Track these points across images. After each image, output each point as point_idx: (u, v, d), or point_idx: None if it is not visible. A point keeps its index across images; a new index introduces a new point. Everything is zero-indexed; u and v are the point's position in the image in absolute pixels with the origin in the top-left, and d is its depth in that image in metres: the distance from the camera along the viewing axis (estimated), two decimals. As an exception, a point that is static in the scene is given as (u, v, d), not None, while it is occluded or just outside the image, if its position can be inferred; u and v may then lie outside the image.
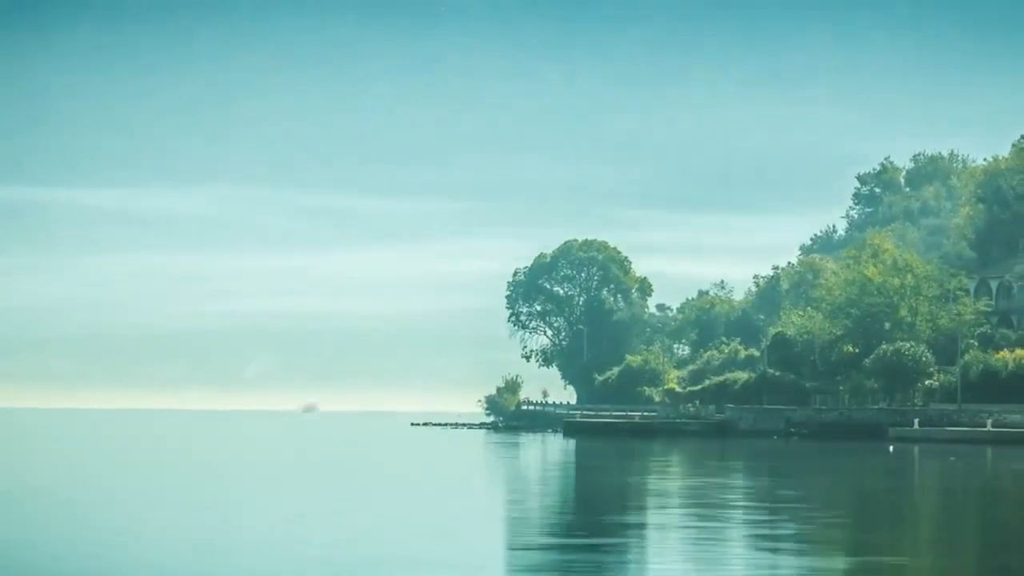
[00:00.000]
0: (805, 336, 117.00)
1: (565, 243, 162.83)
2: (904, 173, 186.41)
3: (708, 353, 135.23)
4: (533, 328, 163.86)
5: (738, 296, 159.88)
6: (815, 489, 45.51)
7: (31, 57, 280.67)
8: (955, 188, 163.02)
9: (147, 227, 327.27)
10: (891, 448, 80.00)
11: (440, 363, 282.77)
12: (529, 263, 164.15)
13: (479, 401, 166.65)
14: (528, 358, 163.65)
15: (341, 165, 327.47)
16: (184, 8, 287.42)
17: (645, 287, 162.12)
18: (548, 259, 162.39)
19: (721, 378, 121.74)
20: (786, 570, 22.20)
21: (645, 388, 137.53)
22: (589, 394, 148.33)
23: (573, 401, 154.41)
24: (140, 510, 33.64)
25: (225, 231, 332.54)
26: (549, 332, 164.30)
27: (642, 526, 30.65)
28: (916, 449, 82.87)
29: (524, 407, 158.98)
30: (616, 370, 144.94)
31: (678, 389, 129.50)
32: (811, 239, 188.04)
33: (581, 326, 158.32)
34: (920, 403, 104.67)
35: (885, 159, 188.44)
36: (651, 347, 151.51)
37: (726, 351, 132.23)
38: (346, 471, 56.56)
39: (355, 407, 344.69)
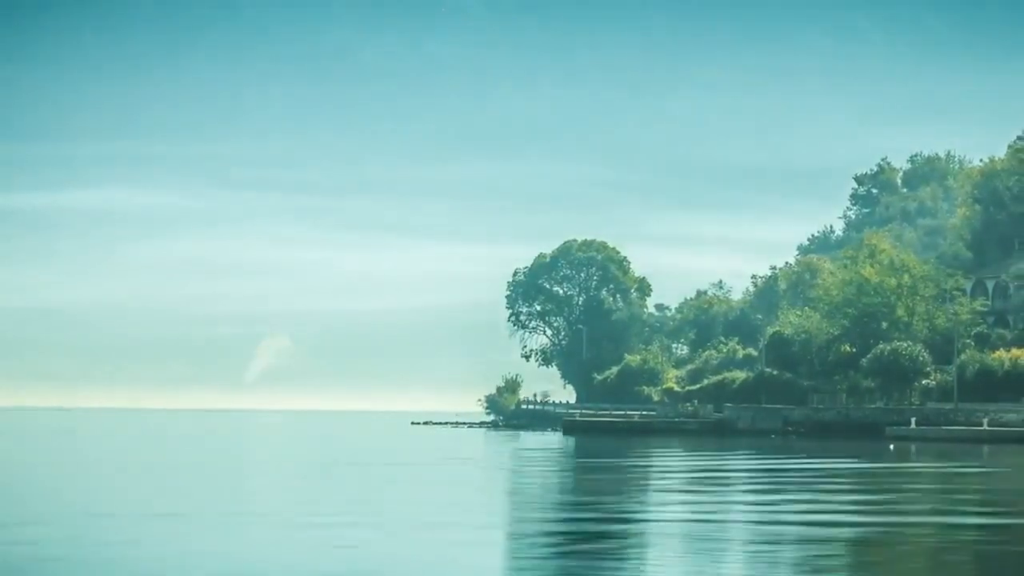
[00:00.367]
0: (803, 336, 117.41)
1: (564, 243, 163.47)
2: (901, 174, 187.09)
3: (706, 353, 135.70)
4: (533, 328, 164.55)
5: (736, 296, 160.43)
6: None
7: (32, 58, 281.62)
8: (952, 189, 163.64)
9: (148, 226, 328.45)
10: (891, 447, 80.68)
11: (440, 363, 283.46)
12: (529, 263, 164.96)
13: (479, 400, 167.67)
14: (528, 358, 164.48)
15: (341, 165, 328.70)
16: (185, 10, 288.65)
17: (644, 287, 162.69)
18: (548, 259, 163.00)
19: (719, 377, 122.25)
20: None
21: (644, 387, 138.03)
22: (588, 393, 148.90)
23: (572, 400, 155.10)
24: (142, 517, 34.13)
25: (226, 230, 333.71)
26: (549, 332, 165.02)
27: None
28: (913, 447, 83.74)
29: (524, 406, 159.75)
30: (615, 369, 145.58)
31: (677, 388, 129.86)
32: (809, 239, 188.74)
33: (580, 326, 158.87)
34: (917, 402, 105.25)
35: (882, 160, 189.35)
36: (650, 347, 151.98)
37: (724, 351, 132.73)
38: (348, 471, 57.30)
39: (356, 406, 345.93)
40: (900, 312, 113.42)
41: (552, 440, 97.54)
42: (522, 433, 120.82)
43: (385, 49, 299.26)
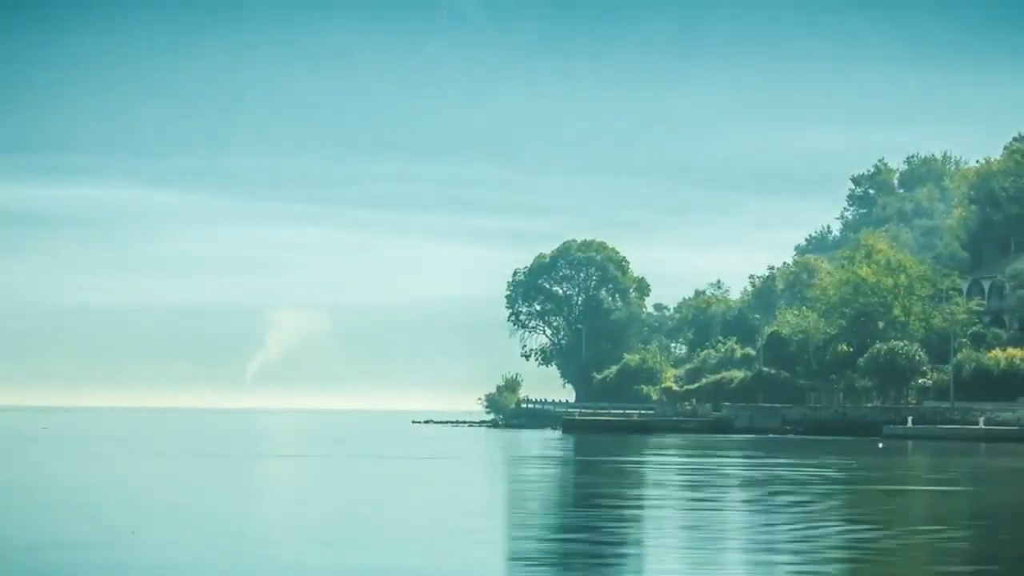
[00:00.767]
0: (800, 335, 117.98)
1: (564, 244, 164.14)
2: (898, 175, 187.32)
3: (705, 352, 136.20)
4: (532, 327, 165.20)
5: (734, 296, 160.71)
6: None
7: (32, 58, 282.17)
8: (948, 189, 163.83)
9: (150, 225, 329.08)
10: (880, 444, 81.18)
11: (440, 362, 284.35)
12: (528, 263, 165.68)
13: (479, 399, 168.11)
14: (528, 357, 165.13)
15: (342, 166, 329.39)
16: (187, 12, 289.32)
17: (643, 287, 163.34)
18: (547, 259, 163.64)
19: (717, 376, 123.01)
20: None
21: (643, 386, 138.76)
22: (588, 392, 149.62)
23: (572, 399, 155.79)
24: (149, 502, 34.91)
25: (225, 230, 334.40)
26: (548, 331, 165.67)
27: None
28: (910, 444, 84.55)
29: (523, 405, 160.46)
30: (614, 369, 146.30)
31: (675, 387, 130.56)
32: (806, 240, 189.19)
33: (580, 325, 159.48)
34: (913, 401, 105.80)
35: (879, 161, 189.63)
36: (648, 346, 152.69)
37: (722, 350, 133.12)
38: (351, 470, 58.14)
39: (356, 405, 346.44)
40: (897, 312, 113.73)
41: (551, 438, 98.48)
42: (522, 432, 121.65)
43: (385, 51, 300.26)
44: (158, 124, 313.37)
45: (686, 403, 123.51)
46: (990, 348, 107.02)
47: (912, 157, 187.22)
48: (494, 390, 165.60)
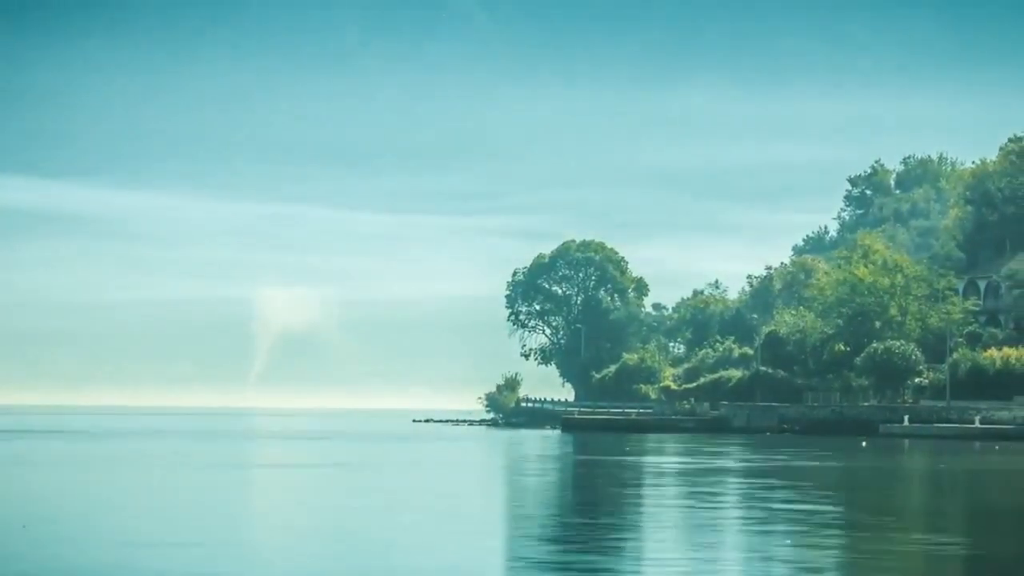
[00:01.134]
0: (797, 335, 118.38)
1: (563, 244, 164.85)
2: (894, 175, 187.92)
3: (703, 351, 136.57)
4: (532, 327, 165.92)
5: (732, 296, 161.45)
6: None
7: (33, 60, 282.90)
8: (944, 190, 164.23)
9: (152, 226, 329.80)
10: (863, 443, 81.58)
11: (441, 361, 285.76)
12: (528, 263, 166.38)
13: (479, 398, 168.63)
14: (527, 356, 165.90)
15: (342, 166, 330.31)
16: (189, 15, 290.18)
17: (641, 287, 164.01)
18: (547, 259, 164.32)
19: (715, 376, 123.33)
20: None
21: (641, 386, 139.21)
22: (587, 391, 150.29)
23: (571, 398, 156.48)
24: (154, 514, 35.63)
25: (227, 229, 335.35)
26: (548, 331, 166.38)
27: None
28: (906, 443, 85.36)
29: (523, 404, 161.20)
30: (613, 368, 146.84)
31: (674, 386, 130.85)
32: (803, 240, 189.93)
33: (579, 325, 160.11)
34: (910, 400, 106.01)
35: (876, 162, 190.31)
36: (647, 345, 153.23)
37: (720, 349, 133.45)
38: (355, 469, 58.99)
39: (356, 405, 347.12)
40: (893, 311, 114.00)
41: (551, 437, 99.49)
42: (522, 430, 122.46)
43: (387, 53, 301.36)
44: (159, 125, 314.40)
45: (684, 402, 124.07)
46: (986, 348, 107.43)
47: (908, 158, 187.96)
48: (494, 389, 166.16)
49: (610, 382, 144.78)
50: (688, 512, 31.94)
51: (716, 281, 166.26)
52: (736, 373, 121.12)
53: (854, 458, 64.27)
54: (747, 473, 50.20)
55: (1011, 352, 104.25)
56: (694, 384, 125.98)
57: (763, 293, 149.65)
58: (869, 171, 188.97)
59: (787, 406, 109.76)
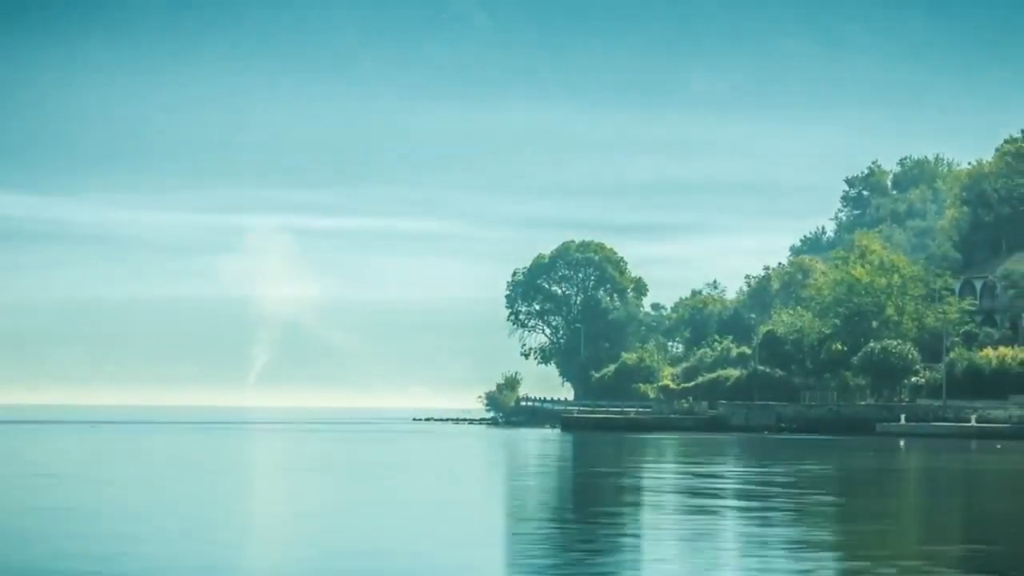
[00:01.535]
0: (795, 334, 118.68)
1: (563, 244, 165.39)
2: (891, 176, 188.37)
3: (701, 351, 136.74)
4: (532, 327, 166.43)
5: (730, 296, 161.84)
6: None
7: (35, 61, 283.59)
8: (940, 191, 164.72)
9: (153, 230, 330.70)
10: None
11: (441, 361, 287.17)
12: (528, 264, 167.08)
13: (479, 397, 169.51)
14: (527, 356, 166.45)
15: (343, 167, 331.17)
16: (186, 18, 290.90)
17: (640, 287, 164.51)
18: (546, 260, 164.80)
19: (714, 375, 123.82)
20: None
21: (640, 385, 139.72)
22: (586, 391, 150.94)
23: (571, 397, 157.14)
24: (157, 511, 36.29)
25: (228, 228, 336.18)
26: (547, 331, 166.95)
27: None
28: (902, 442, 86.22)
29: (523, 403, 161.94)
30: (612, 367, 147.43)
31: (672, 386, 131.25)
32: (801, 240, 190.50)
33: (578, 325, 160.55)
34: (907, 399, 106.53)
35: (873, 163, 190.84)
36: (646, 345, 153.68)
37: (718, 349, 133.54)
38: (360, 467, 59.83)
39: (357, 404, 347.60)
40: (890, 311, 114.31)
41: (550, 435, 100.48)
42: (522, 429, 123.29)
43: (387, 55, 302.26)
44: (160, 126, 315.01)
45: (683, 401, 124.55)
46: (982, 347, 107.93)
47: (905, 159, 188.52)
48: (494, 388, 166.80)
49: (609, 381, 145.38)
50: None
51: (714, 281, 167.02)
52: (734, 372, 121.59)
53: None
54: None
55: (1007, 352, 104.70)
56: (692, 383, 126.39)
57: (761, 293, 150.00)
58: (866, 172, 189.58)
59: (784, 405, 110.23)
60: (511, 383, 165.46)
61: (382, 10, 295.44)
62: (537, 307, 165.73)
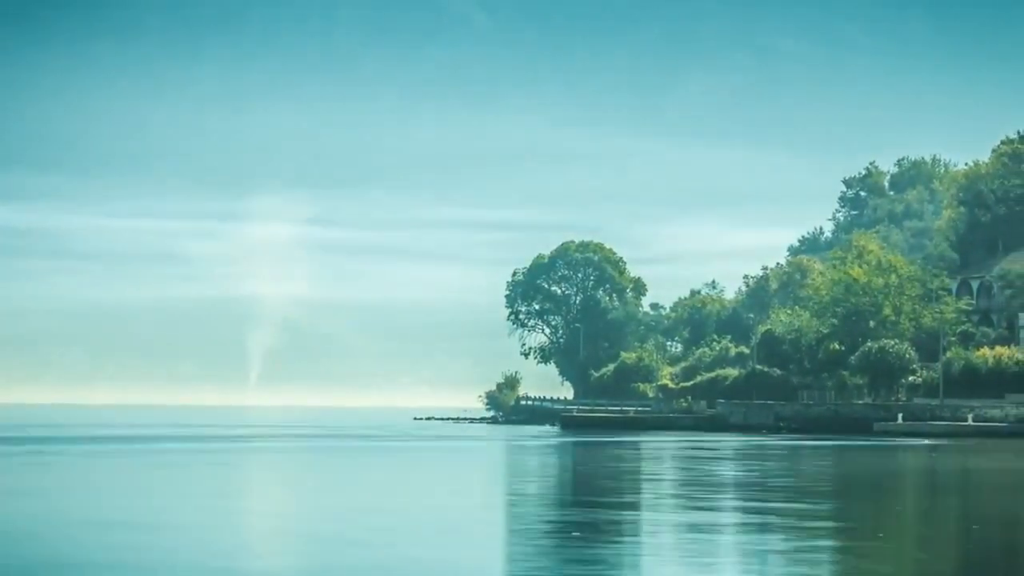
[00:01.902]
0: (793, 334, 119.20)
1: (562, 244, 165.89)
2: (888, 177, 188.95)
3: (700, 350, 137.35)
4: (532, 326, 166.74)
5: (729, 295, 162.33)
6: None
7: (36, 64, 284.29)
8: (937, 192, 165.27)
9: (155, 232, 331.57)
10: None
11: (442, 360, 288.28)
12: (528, 264, 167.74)
13: (479, 396, 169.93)
14: (527, 355, 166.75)
15: (343, 167, 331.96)
16: (188, 19, 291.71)
17: (639, 287, 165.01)
18: (546, 260, 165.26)
19: (712, 374, 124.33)
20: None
21: (639, 384, 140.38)
22: (585, 390, 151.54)
23: (570, 396, 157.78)
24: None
25: (227, 226, 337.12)
26: (547, 330, 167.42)
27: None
28: (898, 441, 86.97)
29: (523, 402, 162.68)
30: (611, 367, 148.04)
31: (671, 385, 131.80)
32: (799, 240, 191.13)
33: (578, 324, 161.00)
34: (904, 398, 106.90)
35: (870, 164, 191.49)
36: (645, 344, 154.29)
37: (717, 348, 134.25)
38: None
39: (359, 402, 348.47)
40: (887, 311, 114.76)
41: (550, 434, 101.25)
42: (522, 428, 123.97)
43: (388, 57, 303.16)
44: (161, 127, 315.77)
45: (682, 400, 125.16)
46: (978, 346, 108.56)
47: (902, 160, 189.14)
48: (494, 387, 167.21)
49: (608, 380, 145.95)
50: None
51: (713, 281, 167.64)
52: (732, 371, 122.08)
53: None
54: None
55: (1003, 351, 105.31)
56: (691, 382, 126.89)
57: (759, 293, 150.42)
58: (863, 173, 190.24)
59: (783, 404, 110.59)
60: (511, 382, 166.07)
61: (382, 13, 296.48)
62: (537, 307, 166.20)
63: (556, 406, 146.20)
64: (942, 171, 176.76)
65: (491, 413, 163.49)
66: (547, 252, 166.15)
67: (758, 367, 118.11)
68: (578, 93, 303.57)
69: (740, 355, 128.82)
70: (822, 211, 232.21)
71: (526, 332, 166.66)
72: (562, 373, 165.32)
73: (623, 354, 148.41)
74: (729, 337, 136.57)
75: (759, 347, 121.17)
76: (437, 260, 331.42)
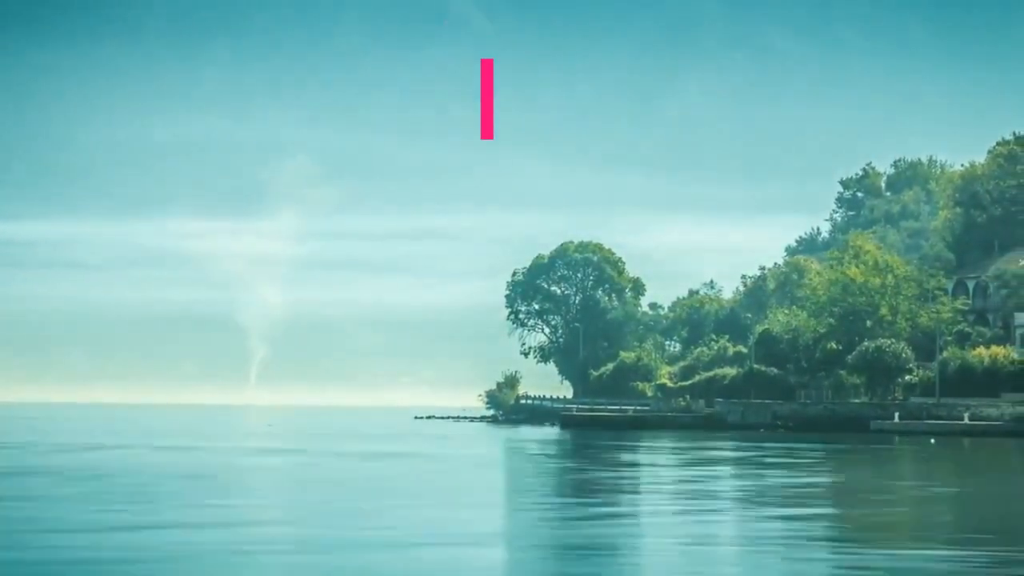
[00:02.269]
0: (790, 334, 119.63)
1: (562, 244, 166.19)
2: (885, 178, 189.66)
3: (698, 350, 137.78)
4: (531, 326, 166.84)
5: (727, 295, 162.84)
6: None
7: (36, 65, 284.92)
8: (934, 192, 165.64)
9: (155, 235, 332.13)
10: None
11: (442, 360, 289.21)
12: (527, 264, 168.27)
13: (480, 396, 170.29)
14: (526, 355, 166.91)
15: (343, 167, 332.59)
16: (191, 21, 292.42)
17: (638, 287, 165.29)
18: (546, 260, 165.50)
19: (710, 373, 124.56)
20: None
21: (638, 383, 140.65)
22: (585, 389, 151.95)
23: (570, 396, 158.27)
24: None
25: (226, 230, 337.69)
26: (547, 330, 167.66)
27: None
28: (896, 439, 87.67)
29: (523, 401, 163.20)
30: (610, 366, 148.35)
31: (669, 384, 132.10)
32: (796, 241, 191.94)
33: (577, 324, 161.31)
34: (900, 397, 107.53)
35: (867, 164, 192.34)
36: (644, 344, 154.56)
37: (715, 348, 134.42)
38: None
39: (358, 402, 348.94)
40: (884, 311, 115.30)
41: (550, 433, 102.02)
42: (522, 427, 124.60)
43: (388, 58, 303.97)
44: (162, 128, 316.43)
45: (680, 399, 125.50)
46: (974, 346, 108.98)
47: (899, 161, 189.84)
48: (494, 387, 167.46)
49: (608, 380, 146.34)
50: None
51: (711, 281, 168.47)
52: (730, 371, 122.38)
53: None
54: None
55: (999, 350, 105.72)
56: (689, 382, 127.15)
57: (757, 293, 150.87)
58: (860, 174, 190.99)
59: (780, 403, 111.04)
60: (511, 381, 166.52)
61: (383, 14, 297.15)
62: (536, 307, 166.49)
63: (556, 405, 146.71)
64: (938, 172, 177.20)
65: (491, 412, 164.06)
66: (547, 252, 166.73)
67: (756, 366, 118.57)
68: (577, 93, 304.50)
69: (738, 354, 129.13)
70: (819, 212, 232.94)
71: (526, 332, 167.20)
72: (562, 372, 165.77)
73: (622, 353, 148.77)
74: (727, 337, 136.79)
75: (757, 346, 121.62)
76: (437, 260, 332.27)
